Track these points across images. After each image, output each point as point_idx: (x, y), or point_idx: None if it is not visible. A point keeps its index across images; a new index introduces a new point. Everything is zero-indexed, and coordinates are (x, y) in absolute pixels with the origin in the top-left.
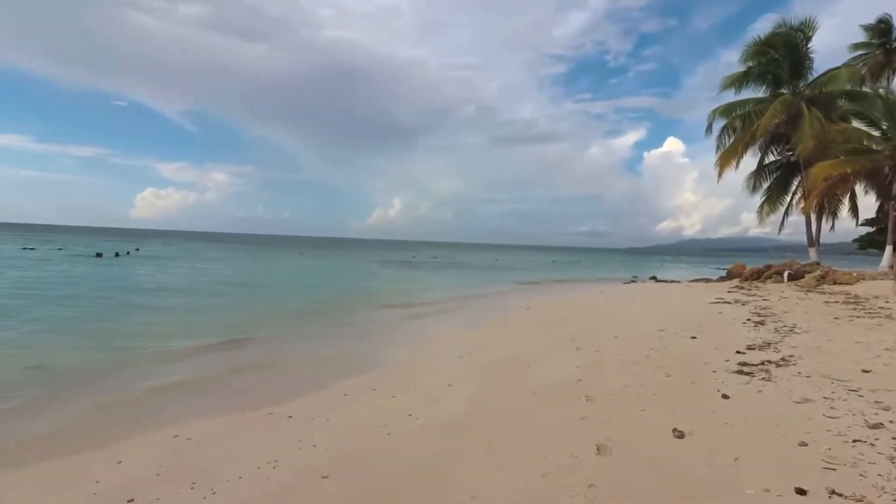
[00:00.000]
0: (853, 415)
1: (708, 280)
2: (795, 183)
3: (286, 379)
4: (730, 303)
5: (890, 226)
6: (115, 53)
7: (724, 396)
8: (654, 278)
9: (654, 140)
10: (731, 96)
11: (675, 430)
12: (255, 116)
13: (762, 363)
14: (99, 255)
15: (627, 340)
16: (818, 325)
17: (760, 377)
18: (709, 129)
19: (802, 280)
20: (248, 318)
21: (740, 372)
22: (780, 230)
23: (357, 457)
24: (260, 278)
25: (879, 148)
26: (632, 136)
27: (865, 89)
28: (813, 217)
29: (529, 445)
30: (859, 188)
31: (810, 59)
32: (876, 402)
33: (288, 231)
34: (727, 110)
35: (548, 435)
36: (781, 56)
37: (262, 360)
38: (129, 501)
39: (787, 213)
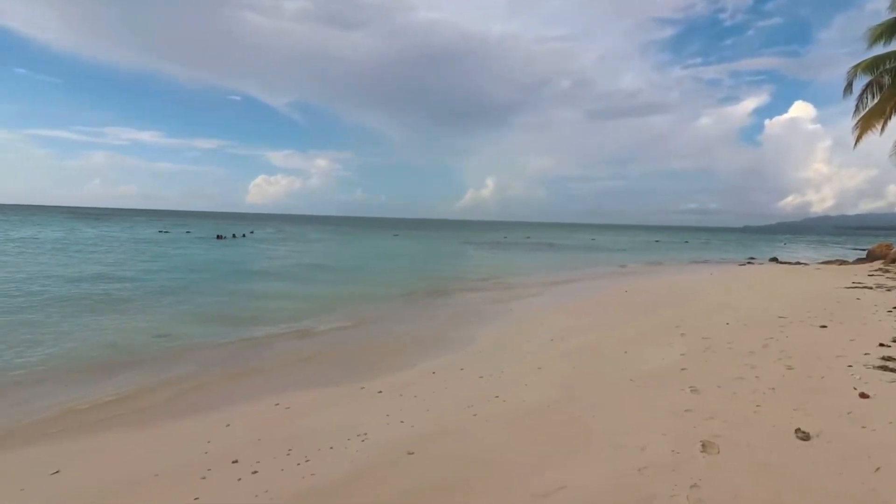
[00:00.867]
0: None
1: (843, 262)
2: None
3: (377, 356)
4: (871, 288)
5: None
6: (229, 52)
7: (863, 395)
8: (774, 260)
9: (778, 105)
10: (878, 49)
11: (798, 430)
12: (353, 104)
13: None
14: (219, 237)
15: (741, 328)
16: None
17: None
18: (848, 88)
19: None
20: (345, 297)
21: (884, 368)
22: None
23: (442, 435)
24: (357, 259)
25: None
26: (750, 103)
27: None
28: None
29: (625, 436)
30: None
31: None
32: None
33: (384, 213)
34: (872, 65)
35: (646, 426)
36: None
37: (356, 338)
38: (233, 462)
39: None
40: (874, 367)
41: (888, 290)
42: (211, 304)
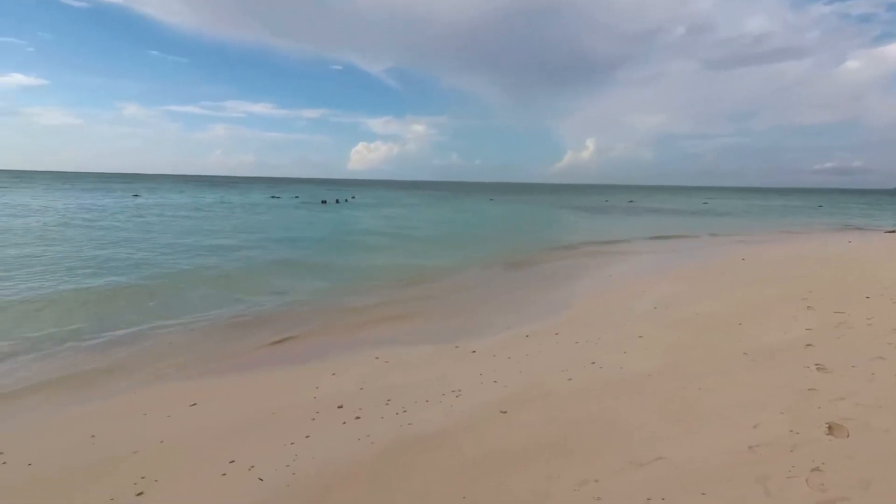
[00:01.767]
0: None
1: None
2: None
3: (471, 318)
4: None
5: None
6: (331, 23)
7: None
8: None
9: None
10: None
11: None
12: (449, 67)
13: None
14: (323, 202)
15: (885, 302)
16: None
17: None
18: None
19: None
20: (441, 260)
21: None
22: None
23: (535, 398)
24: (452, 223)
25: None
26: None
27: None
28: None
29: (735, 412)
30: None
31: None
32: None
33: (479, 178)
34: None
35: (760, 403)
36: None
37: (451, 300)
38: (338, 407)
39: None
40: None
41: None
42: (317, 264)
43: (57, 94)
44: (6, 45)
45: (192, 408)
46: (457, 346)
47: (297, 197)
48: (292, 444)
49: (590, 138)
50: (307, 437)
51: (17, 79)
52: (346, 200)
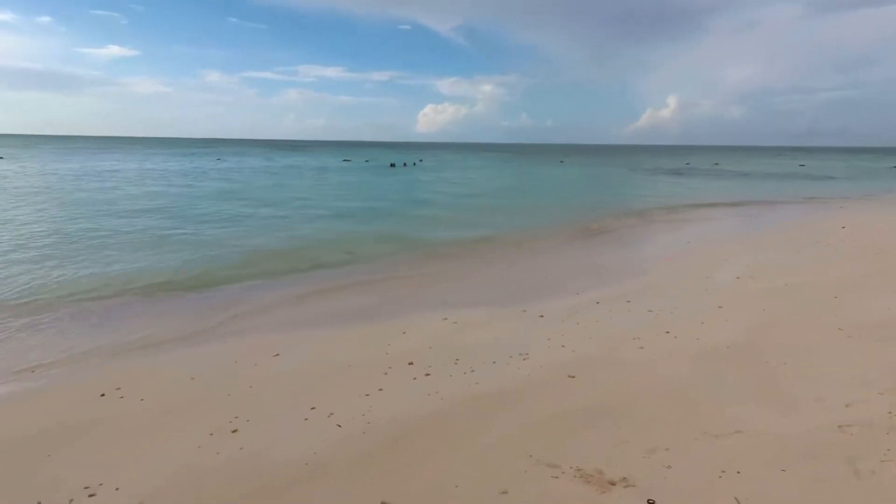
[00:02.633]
0: None
1: None
2: None
3: (540, 282)
4: None
5: None
6: None
7: None
8: None
9: None
10: None
11: None
12: (519, 22)
13: None
14: (392, 165)
15: None
16: None
17: None
18: None
19: None
20: (508, 223)
21: None
22: None
23: (604, 364)
24: (521, 186)
25: None
26: None
27: None
28: None
29: (825, 389)
30: None
31: None
32: None
33: (549, 139)
34: None
35: (855, 382)
36: None
37: (519, 264)
38: (409, 363)
39: None
40: None
41: None
42: (386, 227)
43: (148, 63)
44: (104, 18)
45: (276, 358)
46: (524, 311)
47: (367, 161)
48: (367, 395)
49: (671, 95)
50: (380, 389)
51: (113, 50)
52: (415, 164)
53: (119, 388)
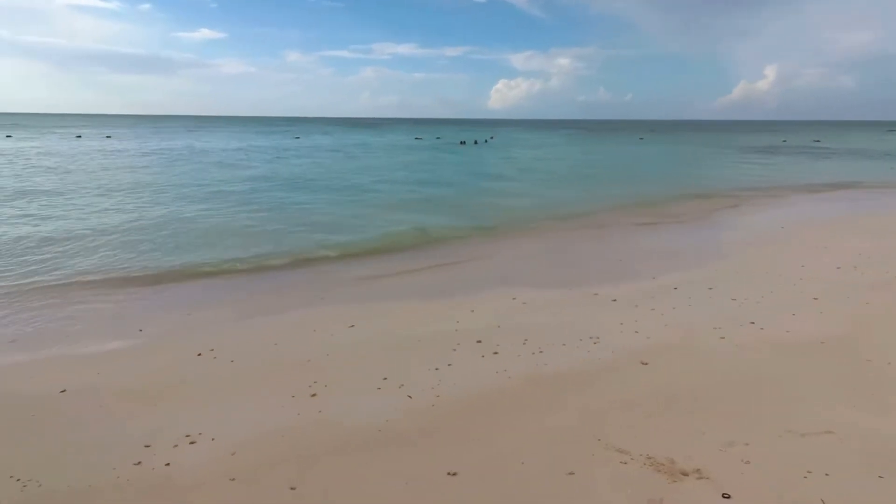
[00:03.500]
0: None
1: None
2: None
3: (612, 264)
4: None
5: None
6: None
7: None
8: None
9: None
10: None
11: None
12: None
13: None
14: (462, 142)
15: None
16: None
17: None
18: None
19: None
20: (579, 202)
21: None
22: None
23: (681, 352)
24: (595, 164)
25: None
26: None
27: None
28: None
29: None
30: None
31: None
32: None
33: (630, 115)
34: None
35: None
36: None
37: (590, 244)
38: (477, 341)
39: None
40: None
41: None
42: (456, 204)
43: (234, 45)
44: (196, 3)
45: (351, 329)
46: (595, 294)
47: (438, 138)
48: (436, 369)
49: (770, 65)
50: (449, 365)
51: (204, 33)
52: (486, 141)
53: (212, 350)
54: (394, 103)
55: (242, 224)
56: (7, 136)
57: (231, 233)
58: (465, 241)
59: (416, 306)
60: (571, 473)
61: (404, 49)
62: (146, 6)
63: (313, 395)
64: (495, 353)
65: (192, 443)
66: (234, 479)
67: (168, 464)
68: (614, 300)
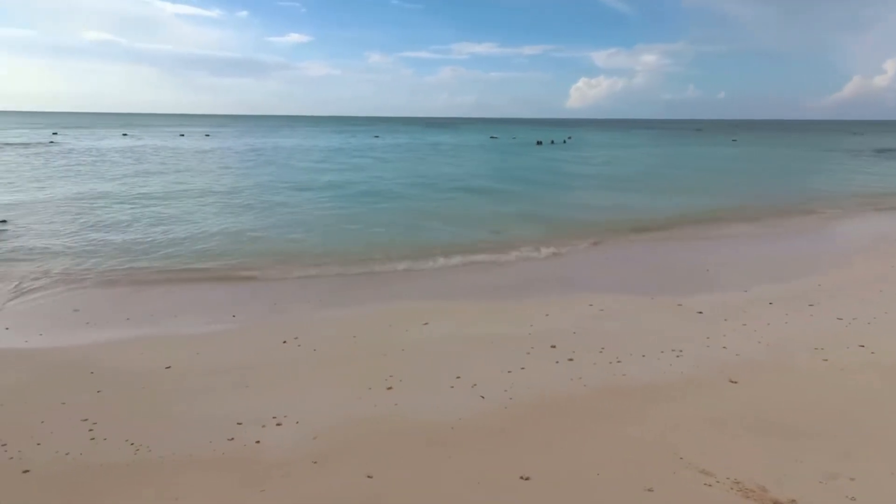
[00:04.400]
0: None
1: None
2: None
3: (700, 274)
4: None
5: None
6: None
7: None
8: None
9: None
10: None
11: None
12: None
13: None
14: (538, 143)
15: None
16: None
17: None
18: None
19: None
20: (663, 208)
21: None
22: None
23: (776, 373)
24: (679, 168)
25: None
26: None
27: None
28: None
29: None
30: None
31: None
32: None
33: (722, 114)
34: None
35: None
36: None
37: (674, 252)
38: (551, 346)
39: None
40: None
41: None
42: (531, 204)
43: (320, 48)
44: (287, 8)
45: (425, 326)
46: (679, 304)
47: (514, 138)
48: (509, 372)
49: (890, 59)
50: (522, 368)
51: (293, 37)
52: (564, 141)
53: (296, 338)
54: (470, 103)
55: (323, 220)
56: (123, 135)
57: (310, 227)
58: (539, 244)
59: (489, 307)
60: (650, 490)
61: (483, 49)
62: (244, 13)
63: (389, 388)
64: (570, 359)
65: (278, 424)
66: (315, 462)
67: (258, 441)
68: (700, 312)
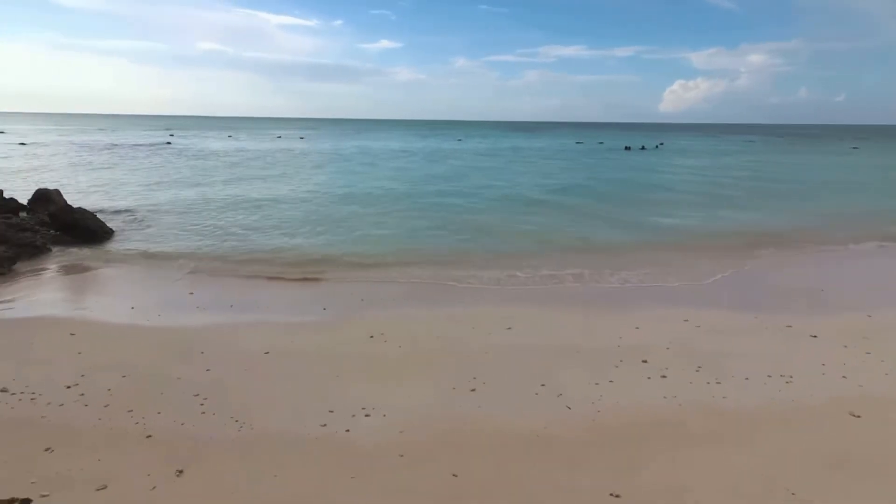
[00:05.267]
0: None
1: None
2: None
3: (812, 293)
4: None
5: None
6: None
7: None
8: None
9: None
10: None
11: None
12: None
13: None
14: (627, 148)
15: None
16: None
17: None
18: None
19: None
20: (768, 222)
21: None
22: None
23: None
24: (788, 176)
25: None
26: None
27: None
28: None
29: None
30: None
31: None
32: None
33: (840, 119)
34: None
35: None
36: None
37: (782, 268)
38: (643, 361)
39: None
40: None
41: None
42: (620, 211)
43: (408, 53)
44: (379, 17)
45: (508, 330)
46: (789, 326)
47: (601, 143)
48: (596, 384)
49: None
50: (611, 381)
51: (384, 44)
52: (657, 147)
53: (383, 334)
54: (555, 106)
55: (406, 223)
56: (228, 136)
57: (394, 230)
58: (629, 253)
59: (576, 315)
60: None
61: (571, 51)
62: (339, 22)
63: (472, 389)
64: (663, 376)
65: (366, 415)
66: (402, 456)
67: (348, 430)
68: (814, 336)
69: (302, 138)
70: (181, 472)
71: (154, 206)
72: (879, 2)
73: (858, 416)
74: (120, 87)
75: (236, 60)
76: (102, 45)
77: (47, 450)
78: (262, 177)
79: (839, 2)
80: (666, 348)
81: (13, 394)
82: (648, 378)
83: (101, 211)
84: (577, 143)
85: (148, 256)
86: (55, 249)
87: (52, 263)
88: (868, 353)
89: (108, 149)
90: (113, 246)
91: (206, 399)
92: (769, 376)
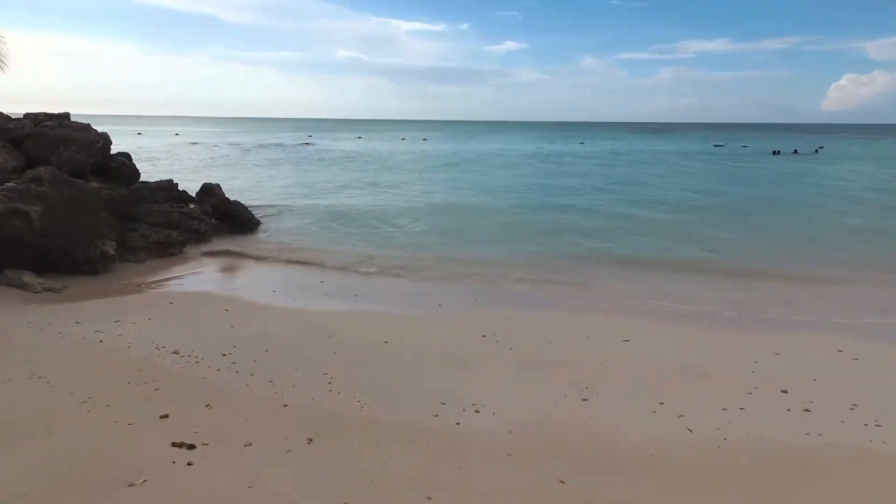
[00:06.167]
0: None
1: None
2: None
3: None
4: None
5: None
6: None
7: None
8: None
9: None
10: None
11: None
12: None
13: None
14: (775, 152)
15: None
16: None
17: None
18: None
19: None
20: None
21: None
22: None
23: None
24: None
25: None
26: None
27: None
28: None
29: None
30: None
31: None
32: None
33: None
34: None
35: None
36: None
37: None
38: (782, 391)
39: None
40: None
41: None
42: (758, 220)
43: (533, 54)
44: (505, 18)
45: (625, 343)
46: None
47: (745, 146)
48: (724, 410)
49: None
50: (741, 409)
51: (509, 45)
52: (816, 151)
53: (495, 334)
54: (692, 106)
55: (524, 227)
56: (358, 137)
57: (514, 234)
58: (764, 267)
59: (702, 332)
60: None
61: (714, 45)
62: (465, 25)
63: (584, 399)
64: (806, 409)
65: (476, 412)
66: (510, 455)
67: (458, 423)
68: None
69: (425, 139)
70: (311, 440)
71: (295, 201)
72: None
73: None
74: (268, 94)
75: (370, 66)
76: (256, 56)
77: (207, 406)
78: (390, 172)
79: None
80: (812, 379)
81: (183, 356)
82: (788, 410)
83: (251, 205)
84: (716, 146)
85: (286, 246)
86: (214, 236)
87: (212, 248)
88: None
89: (257, 148)
90: (260, 235)
91: (333, 379)
92: (855, 405)
